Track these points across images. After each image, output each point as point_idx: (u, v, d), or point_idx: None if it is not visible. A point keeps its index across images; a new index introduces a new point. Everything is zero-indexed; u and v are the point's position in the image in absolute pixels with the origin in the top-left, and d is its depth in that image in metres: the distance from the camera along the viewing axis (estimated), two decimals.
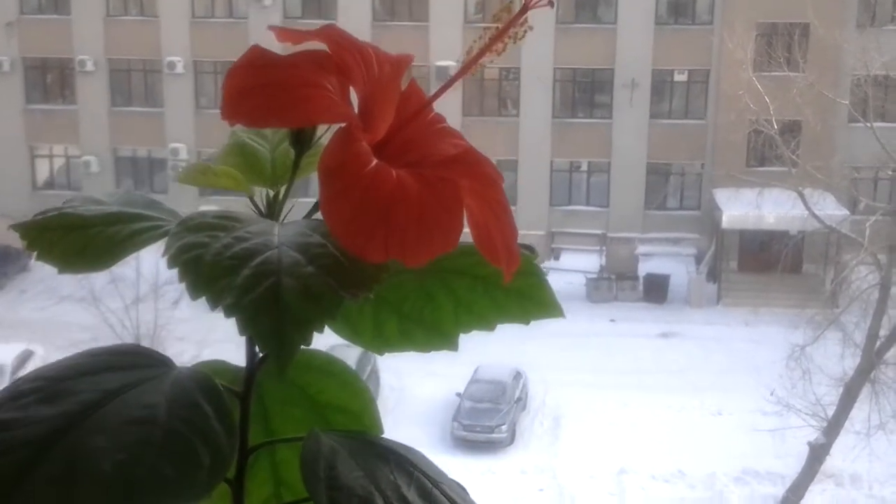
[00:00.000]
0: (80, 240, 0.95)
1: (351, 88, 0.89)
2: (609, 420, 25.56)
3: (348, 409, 1.07)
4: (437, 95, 0.95)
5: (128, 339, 22.55)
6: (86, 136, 37.27)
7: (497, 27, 0.89)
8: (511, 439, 25.19)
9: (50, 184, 38.44)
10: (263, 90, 0.82)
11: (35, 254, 0.98)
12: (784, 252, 29.79)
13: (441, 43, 35.96)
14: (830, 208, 29.64)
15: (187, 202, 36.90)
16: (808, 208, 27.70)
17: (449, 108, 36.31)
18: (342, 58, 0.88)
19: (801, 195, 27.49)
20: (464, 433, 24.86)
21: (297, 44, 0.89)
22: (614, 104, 36.25)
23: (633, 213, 36.60)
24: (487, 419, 24.92)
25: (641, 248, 36.14)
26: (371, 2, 36.63)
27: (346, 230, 0.80)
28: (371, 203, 0.81)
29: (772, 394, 23.46)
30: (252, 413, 0.98)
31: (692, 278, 34.11)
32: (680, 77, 36.44)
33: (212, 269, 0.82)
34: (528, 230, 36.64)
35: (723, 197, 33.76)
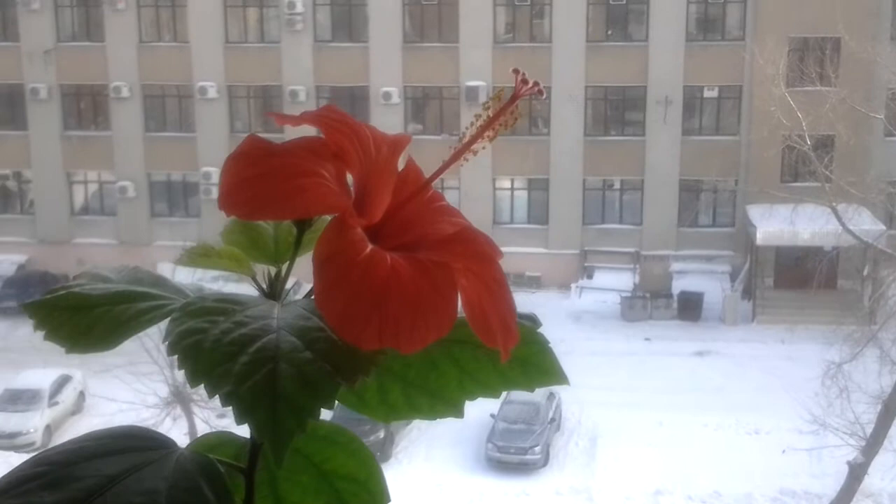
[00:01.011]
0: (86, 320, 0.97)
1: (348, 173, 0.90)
2: (644, 440, 25.38)
3: (354, 477, 1.07)
4: (433, 178, 0.96)
5: (162, 363, 22.63)
6: (120, 162, 37.65)
7: (489, 115, 0.90)
8: (545, 461, 25.07)
9: (86, 209, 38.84)
10: (259, 181, 0.83)
11: (44, 334, 1.00)
12: (819, 268, 29.56)
13: (471, 63, 36.07)
14: (866, 223, 29.39)
15: (221, 225, 37.08)
16: (842, 224, 27.47)
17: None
18: (338, 143, 0.88)
19: (835, 211, 27.27)
20: (498, 454, 24.77)
21: (296, 127, 0.90)
22: (647, 121, 36.17)
23: (667, 231, 36.45)
24: (521, 440, 24.82)
25: (675, 266, 35.98)
26: (402, 24, 36.79)
27: (341, 320, 0.81)
28: (364, 293, 0.81)
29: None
30: (259, 480, 0.99)
31: (727, 295, 33.89)
32: (710, 93, 36.31)
33: (210, 355, 0.83)
34: (561, 249, 36.61)
35: (757, 213, 33.54)
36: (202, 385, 0.82)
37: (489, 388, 1.08)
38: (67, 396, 27.34)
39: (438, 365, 1.05)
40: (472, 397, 1.09)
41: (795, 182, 32.88)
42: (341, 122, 0.91)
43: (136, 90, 37.39)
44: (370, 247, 0.84)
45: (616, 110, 37.25)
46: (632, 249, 36.53)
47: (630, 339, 32.15)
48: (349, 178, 0.90)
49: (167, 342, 0.85)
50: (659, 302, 34.19)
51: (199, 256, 1.00)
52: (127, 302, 0.97)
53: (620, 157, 36.27)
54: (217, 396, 0.81)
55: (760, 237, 32.99)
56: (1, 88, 38.28)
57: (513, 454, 24.73)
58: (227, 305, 0.88)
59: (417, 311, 0.83)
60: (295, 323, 0.87)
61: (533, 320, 1.05)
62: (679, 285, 34.86)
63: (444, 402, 1.07)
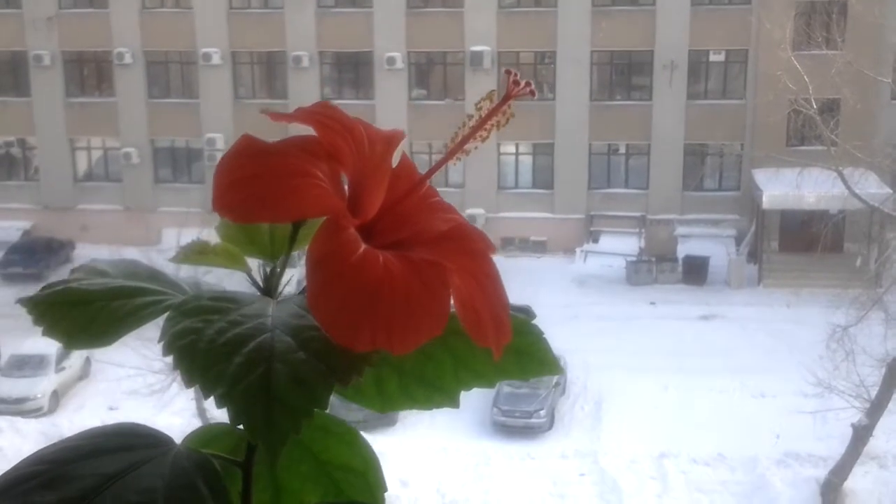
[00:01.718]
0: (83, 315, 0.97)
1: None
2: (650, 403, 25.48)
3: (352, 467, 1.08)
4: (427, 176, 0.96)
5: None
6: (124, 128, 37.60)
7: (480, 115, 0.90)
8: (550, 424, 25.18)
9: (90, 175, 38.84)
10: (252, 182, 0.83)
11: (42, 329, 1.00)
12: (825, 232, 29.51)
13: (475, 28, 35.88)
14: (872, 187, 29.31)
15: None
16: (848, 188, 27.40)
17: (484, 93, 36.16)
18: (332, 142, 0.88)
19: (841, 175, 27.20)
20: (503, 418, 24.89)
21: (291, 124, 0.90)
22: (654, 86, 36.01)
23: (672, 195, 36.40)
24: (526, 404, 24.92)
25: (680, 230, 35.95)
26: None
27: (333, 323, 0.82)
28: (357, 294, 0.82)
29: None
30: (258, 471, 1.00)
31: (732, 259, 33.88)
32: (716, 57, 36.11)
33: (205, 356, 0.83)
34: (566, 214, 36.57)
35: (762, 177, 33.45)
36: (197, 386, 0.82)
37: (485, 378, 1.08)
38: (74, 362, 27.46)
39: (434, 356, 1.05)
40: (468, 387, 1.09)
41: (801, 146, 32.76)
42: (335, 119, 0.91)
43: (139, 57, 37.27)
44: (363, 247, 0.84)
45: (622, 75, 37.08)
46: (637, 214, 36.48)
47: (635, 304, 32.19)
48: (343, 176, 0.90)
49: (163, 342, 0.86)
50: (664, 266, 34.20)
51: (195, 254, 1.00)
52: (124, 297, 0.97)
53: (626, 121, 36.15)
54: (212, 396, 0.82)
55: (766, 201, 32.92)
56: (4, 55, 38.17)
57: (518, 418, 24.84)
58: (222, 304, 0.89)
59: (410, 313, 0.83)
60: (289, 321, 0.87)
61: (527, 312, 1.06)
62: (684, 249, 34.86)
63: (441, 392, 1.08)
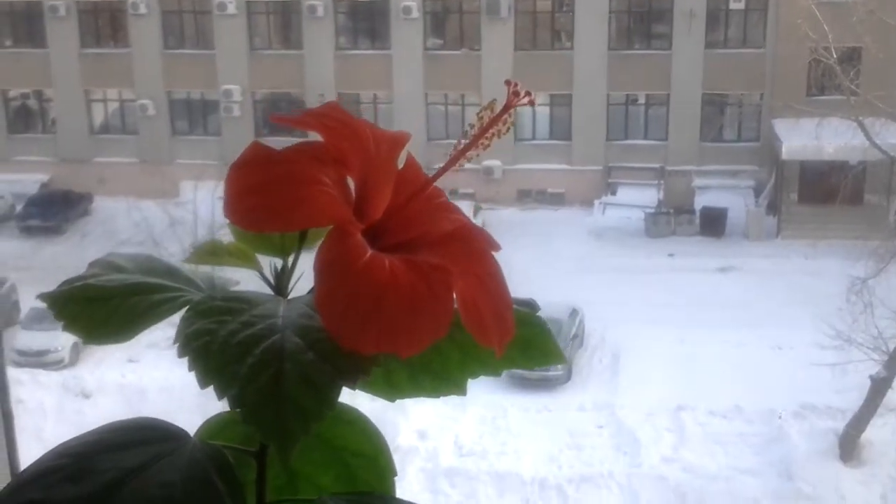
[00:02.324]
0: (102, 311, 1.01)
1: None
2: (667, 356, 25.54)
3: (364, 453, 1.12)
4: (433, 179, 0.98)
5: None
6: (140, 80, 37.56)
7: (482, 124, 0.93)
8: (568, 377, 25.29)
9: (106, 127, 38.89)
10: (262, 190, 0.86)
11: (62, 323, 1.04)
12: (845, 183, 29.34)
13: None
14: (893, 137, 29.05)
15: (242, 143, 37.07)
16: (868, 138, 27.20)
17: (500, 42, 36.03)
18: (338, 147, 0.91)
19: (861, 125, 26.98)
20: (520, 371, 24.99)
21: (294, 128, 0.92)
22: (674, 34, 35.69)
23: (690, 146, 36.22)
24: None
25: (698, 181, 35.80)
26: None
27: (339, 326, 0.85)
28: (362, 299, 0.85)
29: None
30: (272, 457, 1.04)
31: (751, 211, 33.77)
32: (736, 5, 35.72)
33: (218, 357, 0.87)
34: (584, 165, 36.45)
35: (782, 127, 33.22)
36: (211, 386, 0.86)
37: (491, 368, 1.12)
38: None
39: (441, 348, 1.08)
40: (474, 376, 1.13)
41: (821, 95, 32.45)
42: (342, 122, 0.94)
43: (154, 6, 37.13)
44: (369, 252, 0.87)
45: (640, 23, 36.75)
46: (656, 165, 36.33)
47: (653, 256, 32.17)
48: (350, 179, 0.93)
49: (178, 344, 0.89)
50: (682, 218, 34.12)
51: (207, 254, 1.03)
52: (141, 294, 1.01)
53: (644, 71, 35.88)
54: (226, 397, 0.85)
55: (785, 151, 32.71)
56: (20, 6, 38.09)
57: (535, 370, 24.95)
58: (234, 304, 0.92)
59: (415, 316, 0.86)
60: (299, 322, 0.90)
61: (531, 305, 1.09)
62: (702, 201, 34.74)
63: (448, 382, 1.11)
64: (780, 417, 22.74)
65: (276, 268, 1.00)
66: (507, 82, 0.94)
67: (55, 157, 38.24)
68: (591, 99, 36.30)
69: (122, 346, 26.50)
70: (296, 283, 1.01)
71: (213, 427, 1.01)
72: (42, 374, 25.34)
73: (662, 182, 36.02)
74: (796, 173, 34.10)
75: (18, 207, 35.53)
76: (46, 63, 37.84)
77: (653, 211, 34.45)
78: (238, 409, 0.84)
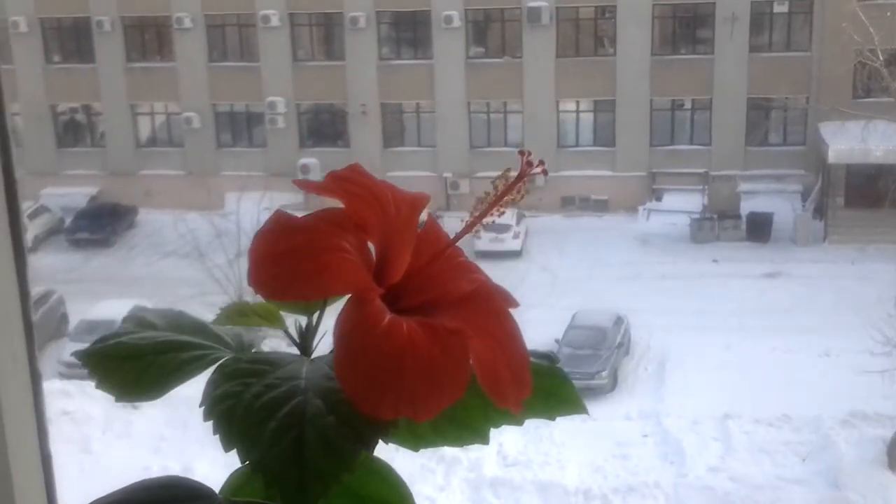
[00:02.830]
0: (134, 369, 1.04)
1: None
2: (713, 363, 25.35)
3: (388, 501, 1.14)
4: (451, 243, 1.00)
5: (232, 293, 23.08)
6: (185, 93, 37.98)
7: (497, 192, 0.95)
8: (612, 385, 25.17)
9: (152, 141, 39.36)
10: (284, 258, 0.88)
11: (95, 381, 1.07)
12: (893, 187, 29.02)
13: None
14: None
15: (287, 154, 37.41)
16: None
17: (542, 50, 36.02)
18: (359, 213, 0.93)
19: None
20: None
21: (317, 194, 0.95)
22: (716, 38, 35.52)
23: (735, 151, 35.99)
24: (587, 366, 24.91)
25: (743, 186, 35.55)
26: None
27: (359, 393, 0.87)
28: (381, 366, 0.87)
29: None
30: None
31: (798, 215, 33.47)
32: (780, 8, 35.49)
33: (242, 421, 0.89)
34: (628, 171, 36.33)
35: (828, 131, 32.91)
36: (235, 450, 0.89)
37: (513, 418, 1.13)
38: None
39: (465, 398, 1.10)
40: (497, 425, 1.14)
41: (868, 98, 32.14)
42: (362, 186, 0.96)
43: (199, 20, 37.54)
44: (388, 318, 0.89)
45: (685, 28, 36.60)
46: (700, 170, 36.12)
47: (698, 262, 31.96)
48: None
49: (203, 407, 0.92)
50: (727, 223, 33.88)
51: (236, 315, 1.06)
52: (172, 352, 1.04)
53: (688, 76, 35.73)
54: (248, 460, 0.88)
55: (832, 155, 32.40)
56: (67, 22, 38.67)
57: (578, 379, 24.73)
58: (259, 367, 0.95)
59: (432, 381, 0.88)
60: (321, 383, 0.93)
61: (550, 358, 1.10)
62: (748, 206, 34.49)
63: (471, 431, 1.13)
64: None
65: (301, 326, 1.03)
66: (521, 153, 0.96)
67: (103, 171, 38.75)
68: (635, 104, 36.19)
69: None
70: (320, 339, 1.04)
71: (237, 482, 1.03)
72: (89, 386, 25.55)
73: (707, 187, 35.81)
74: (843, 177, 33.77)
75: (67, 220, 36.04)
76: (94, 78, 38.38)
77: (698, 216, 34.24)
78: (259, 474, 0.87)
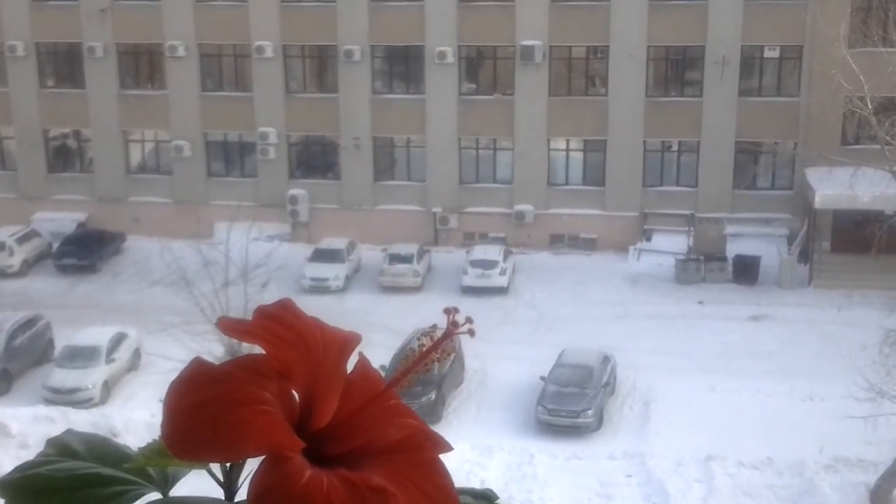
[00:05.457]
0: None
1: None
2: (698, 405, 25.32)
3: None
4: (392, 385, 0.97)
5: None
6: (176, 121, 37.96)
7: (421, 350, 0.91)
8: (598, 424, 25.07)
9: (142, 167, 39.28)
10: (199, 412, 0.85)
11: None
12: (879, 233, 29.07)
13: (527, 22, 35.73)
14: None
15: (277, 185, 37.39)
16: None
17: (534, 88, 36.12)
18: (281, 359, 0.90)
19: None
20: (548, 417, 24.84)
21: (241, 340, 0.91)
22: (705, 81, 35.69)
23: (722, 193, 36.08)
24: (573, 404, 24.84)
25: (730, 229, 35.62)
26: None
27: None
28: None
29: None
30: None
31: (783, 259, 33.51)
32: (771, 53, 35.70)
33: None
34: (618, 211, 36.36)
35: (815, 176, 33.01)
36: None
37: None
38: (124, 354, 27.89)
39: None
40: None
41: (856, 145, 32.27)
42: (289, 328, 0.92)
43: (193, 49, 37.56)
44: (308, 474, 0.86)
45: (677, 70, 36.78)
46: (687, 212, 36.18)
47: (682, 303, 31.98)
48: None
49: None
50: (713, 265, 33.91)
51: (157, 455, 1.02)
52: (89, 487, 1.00)
53: (678, 118, 35.86)
54: None
55: (819, 200, 32.50)
56: (61, 47, 38.66)
57: (564, 417, 24.77)
58: None
59: None
60: None
61: (488, 497, 1.07)
62: (735, 248, 34.55)
63: None
64: None
65: (224, 468, 0.99)
66: (447, 310, 0.93)
67: (92, 196, 38.64)
68: (627, 145, 36.26)
69: (152, 384, 26.56)
70: (245, 478, 0.99)
71: None
72: (72, 412, 25.45)
73: (692, 229, 35.86)
74: (829, 222, 33.85)
75: (55, 246, 35.91)
76: (86, 103, 38.34)
77: (683, 258, 34.27)
78: None
